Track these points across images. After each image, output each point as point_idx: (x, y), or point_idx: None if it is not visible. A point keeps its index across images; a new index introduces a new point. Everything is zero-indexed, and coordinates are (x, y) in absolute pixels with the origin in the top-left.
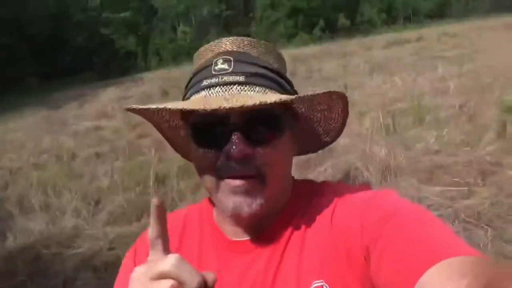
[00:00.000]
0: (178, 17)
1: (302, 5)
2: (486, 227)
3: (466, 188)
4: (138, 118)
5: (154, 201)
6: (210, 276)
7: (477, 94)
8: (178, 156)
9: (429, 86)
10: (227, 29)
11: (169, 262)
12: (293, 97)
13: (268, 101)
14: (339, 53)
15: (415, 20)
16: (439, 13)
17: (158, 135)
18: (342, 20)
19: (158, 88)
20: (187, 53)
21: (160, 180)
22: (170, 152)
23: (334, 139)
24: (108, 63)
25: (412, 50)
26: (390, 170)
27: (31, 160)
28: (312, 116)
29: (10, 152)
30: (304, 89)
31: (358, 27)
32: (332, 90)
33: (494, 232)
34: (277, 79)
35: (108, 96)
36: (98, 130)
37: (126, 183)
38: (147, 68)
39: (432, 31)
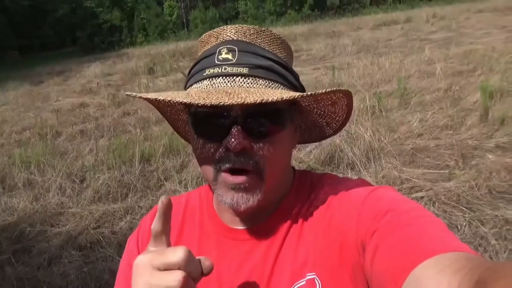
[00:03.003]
0: None
1: None
2: (464, 209)
3: (447, 171)
4: (122, 95)
5: (162, 199)
6: (206, 264)
7: (462, 78)
8: (163, 135)
9: (416, 69)
10: (215, 4)
11: (179, 254)
12: (295, 95)
13: (270, 99)
14: (328, 32)
15: (405, 0)
16: None
17: (143, 114)
18: None
19: (144, 65)
20: (173, 29)
21: (146, 159)
22: (155, 130)
23: (336, 131)
24: (92, 37)
25: (400, 31)
26: (374, 151)
27: (13, 136)
28: (315, 110)
29: None
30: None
31: (347, 6)
32: (337, 88)
33: (471, 214)
34: (282, 72)
35: (93, 72)
36: (83, 106)
37: (111, 162)
38: (132, 44)
39: (421, 12)
